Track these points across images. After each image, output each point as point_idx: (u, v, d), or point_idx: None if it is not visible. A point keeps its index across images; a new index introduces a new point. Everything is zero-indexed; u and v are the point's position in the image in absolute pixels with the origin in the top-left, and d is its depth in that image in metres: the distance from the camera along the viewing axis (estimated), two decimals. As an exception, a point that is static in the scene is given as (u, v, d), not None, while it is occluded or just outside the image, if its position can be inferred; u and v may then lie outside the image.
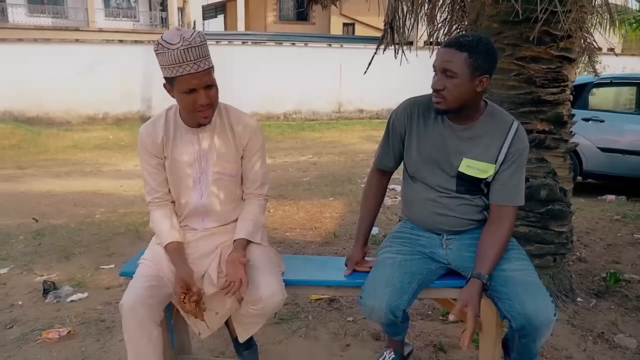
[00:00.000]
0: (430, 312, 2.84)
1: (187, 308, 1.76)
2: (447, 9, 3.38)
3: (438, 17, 3.38)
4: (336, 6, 4.92)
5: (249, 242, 1.89)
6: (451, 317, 1.68)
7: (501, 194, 1.81)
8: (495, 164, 1.78)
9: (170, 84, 1.75)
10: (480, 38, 1.73)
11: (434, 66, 1.75)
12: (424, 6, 3.20)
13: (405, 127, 1.89)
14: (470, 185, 1.83)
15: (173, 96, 1.79)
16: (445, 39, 3.47)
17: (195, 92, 1.71)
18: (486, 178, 1.80)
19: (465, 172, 1.80)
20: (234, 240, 1.88)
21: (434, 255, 1.92)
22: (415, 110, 1.88)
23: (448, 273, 1.96)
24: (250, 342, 2.20)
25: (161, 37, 1.71)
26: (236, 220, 1.97)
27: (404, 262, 1.85)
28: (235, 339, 2.20)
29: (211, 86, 1.75)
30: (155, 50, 1.72)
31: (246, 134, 1.89)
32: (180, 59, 1.66)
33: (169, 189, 1.94)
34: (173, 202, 1.96)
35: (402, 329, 2.06)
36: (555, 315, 1.69)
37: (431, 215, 1.90)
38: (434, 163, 1.85)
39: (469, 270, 1.77)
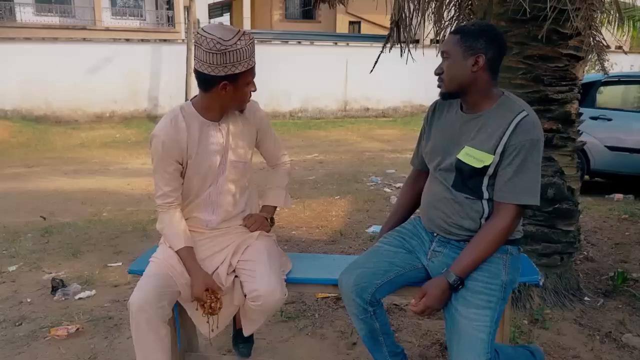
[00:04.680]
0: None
1: (209, 309, 1.81)
2: (454, 7, 3.37)
3: (445, 15, 3.37)
4: (343, 4, 4.90)
5: (274, 209, 2.15)
6: (411, 308, 1.70)
7: (503, 190, 1.67)
8: (494, 154, 1.66)
9: (232, 80, 1.75)
10: (479, 23, 1.78)
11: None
12: (431, 4, 3.20)
13: (428, 122, 1.91)
14: (469, 181, 1.72)
15: (224, 94, 1.77)
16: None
17: (252, 83, 1.82)
18: (483, 169, 1.68)
19: (463, 160, 1.70)
20: (263, 205, 2.13)
21: (419, 259, 1.88)
22: (441, 105, 1.88)
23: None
24: (249, 337, 2.21)
25: (214, 36, 1.67)
26: (241, 218, 2.02)
27: (387, 252, 1.87)
28: (237, 332, 2.22)
29: None
30: (216, 51, 1.67)
31: (256, 118, 1.99)
32: (249, 53, 1.74)
33: (181, 193, 1.92)
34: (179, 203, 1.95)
35: (381, 343, 1.87)
36: None
37: (429, 208, 1.86)
38: (440, 152, 1.80)
39: None
